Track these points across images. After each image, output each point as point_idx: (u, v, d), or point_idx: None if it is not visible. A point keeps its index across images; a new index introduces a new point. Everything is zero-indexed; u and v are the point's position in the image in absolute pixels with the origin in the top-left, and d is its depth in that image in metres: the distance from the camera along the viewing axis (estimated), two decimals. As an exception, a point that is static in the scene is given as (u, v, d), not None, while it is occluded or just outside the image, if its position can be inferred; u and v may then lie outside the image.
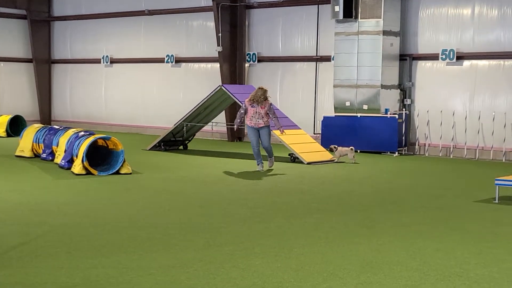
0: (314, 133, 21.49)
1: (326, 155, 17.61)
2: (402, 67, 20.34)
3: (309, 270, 7.16)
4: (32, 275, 6.83)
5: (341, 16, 19.74)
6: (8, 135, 23.62)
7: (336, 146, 17.45)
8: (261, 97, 15.27)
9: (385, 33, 19.64)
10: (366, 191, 12.99)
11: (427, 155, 19.79)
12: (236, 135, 23.46)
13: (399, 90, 20.33)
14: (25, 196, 11.72)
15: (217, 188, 13.06)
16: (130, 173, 14.47)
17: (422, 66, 20.26)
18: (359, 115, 19.97)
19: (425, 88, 20.17)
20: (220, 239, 8.58)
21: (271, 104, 15.52)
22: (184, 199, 11.79)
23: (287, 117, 18.62)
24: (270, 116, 15.44)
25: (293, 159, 17.27)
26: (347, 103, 20.22)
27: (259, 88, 15.57)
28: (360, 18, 19.79)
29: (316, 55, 22.18)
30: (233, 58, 23.48)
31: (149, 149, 19.63)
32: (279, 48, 23.10)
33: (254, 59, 23.48)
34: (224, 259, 7.57)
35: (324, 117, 20.69)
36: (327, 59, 21.76)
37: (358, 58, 19.92)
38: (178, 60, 25.25)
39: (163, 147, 19.64)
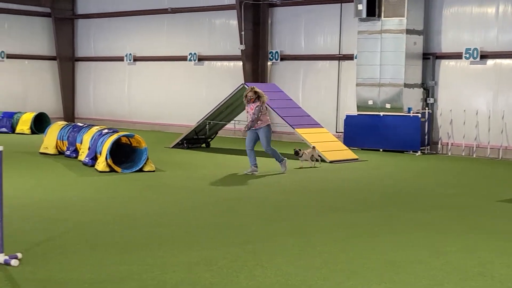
0: (337, 132, 21.45)
1: (349, 154, 17.58)
2: (425, 66, 20.24)
3: (332, 268, 7.16)
4: (56, 271, 6.89)
5: (364, 15, 19.68)
6: (33, 132, 23.80)
7: (301, 149, 15.96)
8: (248, 97, 14.68)
9: (409, 31, 19.56)
10: (388, 190, 12.96)
11: (450, 154, 19.67)
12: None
13: (422, 89, 20.24)
14: (49, 192, 11.83)
15: (239, 186, 13.09)
16: (154, 171, 14.54)
17: (445, 65, 20.15)
18: (381, 114, 19.91)
19: (448, 87, 20.07)
20: (242, 237, 8.61)
21: (257, 106, 14.60)
22: (206, 197, 11.82)
23: (309, 116, 18.62)
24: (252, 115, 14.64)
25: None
26: (370, 102, 20.17)
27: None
28: (383, 17, 19.72)
29: (339, 54, 22.14)
30: (256, 56, 23.50)
31: (172, 147, 19.71)
32: (301, 47, 23.08)
33: (276, 58, 23.49)
34: (247, 257, 7.59)
35: (346, 115, 20.65)
36: (350, 57, 21.72)
37: (381, 56, 19.86)
38: (201, 58, 25.31)
39: (185, 145, 19.71)
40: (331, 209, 10.86)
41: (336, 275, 6.93)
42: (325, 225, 9.47)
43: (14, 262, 7.00)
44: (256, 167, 14.85)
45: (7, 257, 7.06)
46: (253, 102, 14.70)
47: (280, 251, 7.89)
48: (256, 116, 14.67)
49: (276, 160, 15.11)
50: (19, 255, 7.21)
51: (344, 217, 10.12)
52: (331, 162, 16.73)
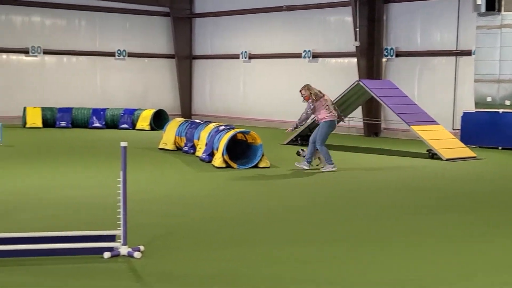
0: (453, 129, 21.02)
1: (466, 152, 17.20)
2: (548, 61, 19.55)
3: (446, 269, 7.08)
4: (175, 265, 7.12)
5: (483, 9, 19.20)
6: (152, 129, 24.51)
7: (304, 149, 15.08)
8: (301, 94, 14.59)
9: (530, 26, 18.96)
10: (505, 190, 12.61)
11: None
12: (372, 130, 23.38)
13: (544, 85, 19.57)
14: (169, 188, 12.18)
15: (350, 184, 13.05)
16: (268, 167, 14.72)
17: None
18: (501, 111, 19.35)
19: None
20: (353, 235, 8.62)
21: (308, 102, 14.46)
22: (318, 194, 11.89)
23: (425, 113, 18.34)
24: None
25: (432, 155, 16.98)
26: (489, 99, 19.66)
27: None
28: (504, 11, 19.17)
29: (456, 49, 21.67)
30: (371, 52, 23.33)
31: (286, 144, 19.86)
32: (417, 43, 22.74)
33: (392, 54, 23.23)
34: (358, 254, 7.60)
35: (464, 112, 20.21)
36: (468, 53, 21.22)
37: (500, 52, 19.32)
38: (315, 55, 25.36)
39: (299, 142, 19.81)
40: (445, 208, 10.69)
41: (450, 276, 6.85)
42: (437, 225, 9.33)
43: (137, 255, 7.29)
44: (309, 163, 14.63)
45: (130, 250, 7.37)
46: (309, 100, 14.52)
47: (393, 250, 7.86)
48: (305, 115, 14.56)
49: (306, 156, 14.59)
50: (142, 248, 7.50)
51: (457, 217, 9.94)
52: (447, 160, 16.44)
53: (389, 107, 18.07)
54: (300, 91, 14.67)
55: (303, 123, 14.76)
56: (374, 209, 10.45)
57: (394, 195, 11.79)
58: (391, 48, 23.21)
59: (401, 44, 23.10)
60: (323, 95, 14.62)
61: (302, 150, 15.07)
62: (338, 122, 15.32)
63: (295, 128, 14.78)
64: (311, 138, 14.74)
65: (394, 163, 15.98)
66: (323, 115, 14.49)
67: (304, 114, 14.60)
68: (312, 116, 14.80)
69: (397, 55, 23.17)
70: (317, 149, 14.72)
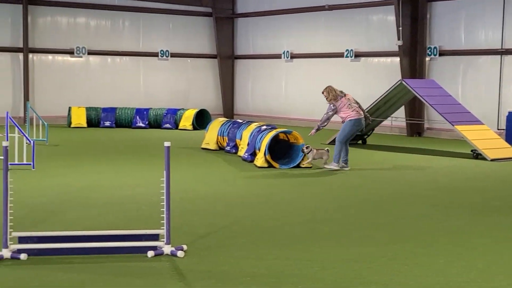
0: (498, 129, 20.76)
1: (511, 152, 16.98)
2: None
3: (496, 271, 6.99)
4: (219, 264, 7.14)
5: (529, 7, 18.96)
6: (194, 128, 24.64)
7: (309, 146, 14.65)
8: (324, 95, 14.64)
9: None
10: (554, 191, 12.43)
11: None
12: (415, 130, 23.19)
13: None
14: (212, 187, 12.22)
15: (395, 184, 12.97)
16: (310, 167, 14.70)
17: None
18: (547, 110, 19.09)
19: None
20: (400, 236, 8.56)
21: (330, 104, 14.59)
22: (363, 194, 11.83)
23: (469, 112, 18.15)
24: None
25: (476, 155, 16.79)
26: (535, 98, 19.39)
27: None
28: (550, 9, 18.90)
29: (501, 48, 21.39)
30: (414, 52, 23.15)
31: (328, 143, 19.79)
32: (461, 41, 22.49)
33: (435, 53, 23.01)
34: (406, 255, 7.55)
35: (509, 112, 19.93)
36: (513, 52, 20.97)
37: (547, 50, 19.05)
38: (358, 55, 25.23)
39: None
40: (491, 209, 10.56)
41: (500, 278, 6.75)
42: (485, 226, 9.23)
43: (180, 254, 7.33)
44: (346, 163, 14.51)
45: (173, 249, 7.42)
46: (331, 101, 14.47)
47: (440, 251, 7.79)
48: (325, 116, 14.56)
49: (342, 157, 14.51)
50: (185, 247, 7.54)
51: (505, 218, 9.82)
52: (492, 160, 16.24)
53: (432, 106, 17.91)
54: (322, 92, 14.69)
55: (325, 124, 14.73)
56: (420, 210, 10.37)
57: (440, 196, 11.68)
58: (435, 47, 22.99)
59: (444, 43, 22.87)
60: (345, 95, 14.65)
61: (307, 147, 14.75)
62: (366, 124, 15.22)
63: (317, 130, 14.75)
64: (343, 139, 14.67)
65: (438, 163, 15.83)
66: (347, 114, 14.50)
67: (324, 115, 14.65)
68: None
69: (440, 54, 22.94)
70: (327, 150, 14.81)
